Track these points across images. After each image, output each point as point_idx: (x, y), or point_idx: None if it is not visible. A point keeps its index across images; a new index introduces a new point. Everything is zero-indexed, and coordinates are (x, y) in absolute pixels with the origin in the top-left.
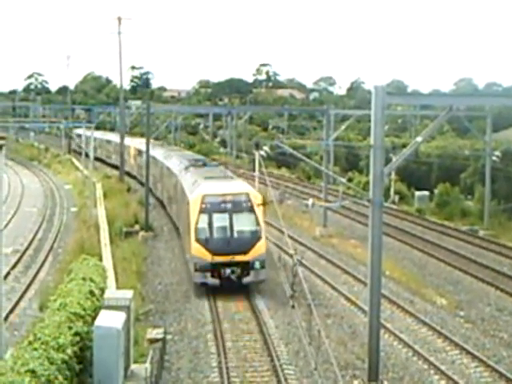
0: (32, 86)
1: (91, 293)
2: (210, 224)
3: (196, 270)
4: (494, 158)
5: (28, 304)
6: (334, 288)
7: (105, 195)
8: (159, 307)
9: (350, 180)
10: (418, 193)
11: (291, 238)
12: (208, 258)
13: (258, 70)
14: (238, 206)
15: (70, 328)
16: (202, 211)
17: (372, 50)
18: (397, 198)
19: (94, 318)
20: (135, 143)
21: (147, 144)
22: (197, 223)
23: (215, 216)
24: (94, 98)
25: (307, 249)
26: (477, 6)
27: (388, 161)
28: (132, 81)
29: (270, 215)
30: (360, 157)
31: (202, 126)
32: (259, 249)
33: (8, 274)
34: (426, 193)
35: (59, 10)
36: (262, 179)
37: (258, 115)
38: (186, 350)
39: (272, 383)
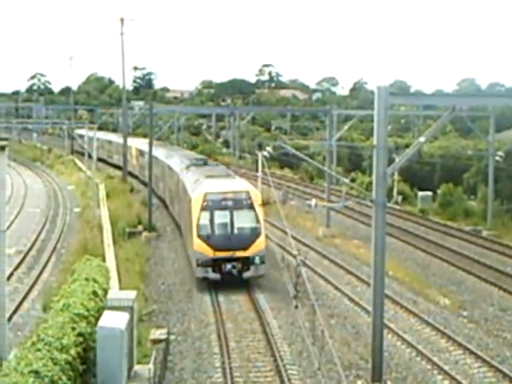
0: (35, 87)
1: (94, 293)
2: (212, 221)
3: (198, 265)
4: (497, 158)
5: (31, 305)
6: (337, 288)
7: (108, 196)
8: (162, 308)
9: (352, 180)
10: (421, 193)
11: (294, 238)
12: (210, 253)
13: (260, 70)
14: (239, 204)
15: (73, 329)
16: (203, 208)
17: (375, 51)
18: (400, 198)
19: (97, 319)
20: (137, 143)
21: (150, 145)
22: (198, 220)
23: (216, 213)
24: (97, 98)
25: (310, 249)
26: (479, 6)
27: (391, 161)
28: (135, 81)
29: (273, 215)
30: (363, 157)
31: (204, 127)
32: (259, 245)
33: (11, 274)
34: (429, 193)
35: (62, 10)
36: (265, 179)
37: (261, 116)
38: (189, 351)
39: (275, 383)
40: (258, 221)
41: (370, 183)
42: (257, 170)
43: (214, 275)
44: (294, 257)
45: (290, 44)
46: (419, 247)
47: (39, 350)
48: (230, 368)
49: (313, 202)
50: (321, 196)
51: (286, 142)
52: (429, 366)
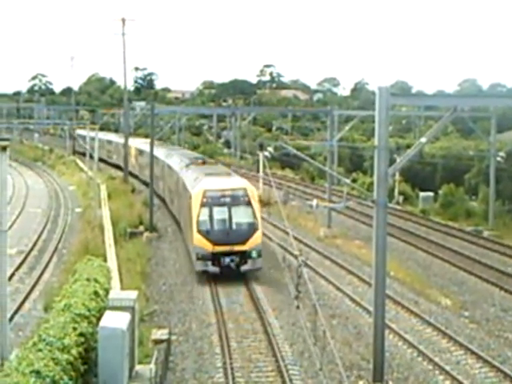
0: (36, 88)
1: (96, 293)
2: (211, 216)
3: (198, 259)
4: (499, 158)
5: (33, 305)
6: (338, 289)
7: (109, 196)
8: (164, 308)
9: (354, 181)
10: (422, 193)
11: (296, 238)
12: (209, 247)
13: (261, 71)
14: (236, 200)
15: (74, 329)
16: (203, 205)
17: (376, 51)
18: (401, 198)
19: (98, 319)
20: (136, 143)
21: (151, 145)
22: (198, 216)
23: (215, 209)
24: (98, 99)
25: (312, 249)
26: (481, 6)
27: (392, 161)
28: (136, 82)
29: (275, 216)
30: (364, 157)
31: (206, 127)
32: (256, 239)
33: (13, 274)
34: (431, 193)
35: (63, 11)
36: (266, 180)
37: (262, 116)
38: (190, 351)
39: None
40: (254, 216)
41: (371, 184)
42: (258, 171)
43: (213, 268)
44: (296, 257)
45: (292, 44)
46: (420, 247)
47: (40, 350)
48: (232, 368)
49: (314, 202)
50: (322, 196)
51: (287, 142)
52: (430, 367)
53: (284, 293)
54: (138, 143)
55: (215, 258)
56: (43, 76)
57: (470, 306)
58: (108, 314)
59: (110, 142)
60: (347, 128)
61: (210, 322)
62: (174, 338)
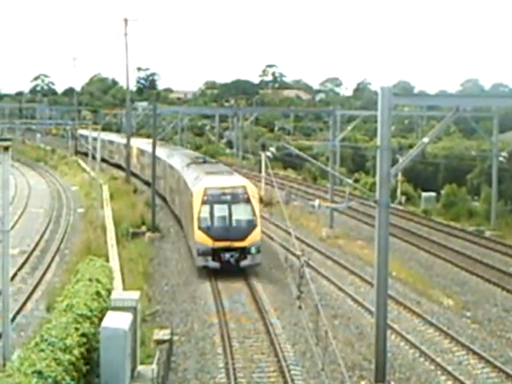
0: (38, 88)
1: (98, 294)
2: (211, 214)
3: (199, 255)
4: (501, 158)
5: (35, 305)
6: (340, 289)
7: (111, 196)
8: (166, 308)
9: (356, 181)
10: (424, 193)
11: (298, 238)
12: (209, 243)
13: (264, 71)
14: (236, 198)
15: (76, 329)
16: (204, 202)
17: (378, 51)
18: (403, 198)
19: (100, 319)
20: (137, 143)
21: (153, 145)
22: (199, 213)
23: (216, 206)
24: (101, 99)
25: (314, 250)
26: (483, 6)
27: (395, 162)
28: (138, 82)
29: (277, 216)
30: (366, 158)
31: (208, 127)
32: (255, 236)
33: (15, 275)
34: (433, 193)
35: (65, 11)
36: (269, 180)
37: (264, 116)
38: (192, 351)
39: None
40: (254, 214)
41: (374, 184)
42: (260, 171)
43: (213, 264)
44: (298, 257)
45: (294, 44)
46: (422, 248)
47: (42, 350)
48: (234, 368)
49: (316, 202)
50: (324, 196)
51: (290, 142)
52: (432, 367)
53: (286, 293)
54: (140, 143)
55: (215, 253)
56: (45, 76)
57: (472, 306)
58: (110, 314)
59: (111, 142)
60: (349, 128)
61: (212, 322)
62: (176, 338)
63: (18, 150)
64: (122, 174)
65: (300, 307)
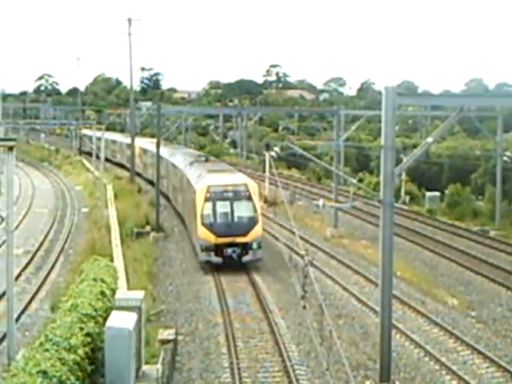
0: (42, 88)
1: (102, 293)
2: (214, 210)
3: (202, 250)
4: (505, 158)
5: (39, 305)
6: (345, 289)
7: (116, 196)
8: (170, 308)
9: (360, 180)
10: (428, 193)
11: (302, 238)
12: (212, 239)
13: (268, 71)
14: (238, 195)
15: (81, 329)
16: (206, 199)
17: (382, 51)
18: (407, 198)
19: (105, 319)
20: (140, 143)
21: (157, 145)
22: (202, 210)
23: (218, 203)
24: (104, 99)
25: (318, 249)
26: (488, 6)
27: (399, 161)
28: (142, 82)
29: (281, 216)
30: (370, 157)
31: (212, 127)
32: (256, 232)
33: (19, 275)
34: (437, 193)
35: (69, 11)
36: (273, 180)
37: (268, 116)
38: (197, 351)
39: None
40: (255, 210)
41: (378, 183)
42: (264, 171)
43: (216, 259)
44: (302, 257)
45: (298, 44)
46: (427, 247)
47: (47, 350)
48: (238, 368)
49: (320, 202)
50: (328, 196)
51: (294, 142)
52: (437, 367)
53: (290, 293)
54: (142, 143)
55: (218, 249)
56: (49, 76)
57: (476, 305)
58: (115, 314)
59: (114, 141)
60: (353, 128)
61: (217, 322)
62: (180, 338)
63: (22, 150)
64: (126, 173)
65: (304, 307)
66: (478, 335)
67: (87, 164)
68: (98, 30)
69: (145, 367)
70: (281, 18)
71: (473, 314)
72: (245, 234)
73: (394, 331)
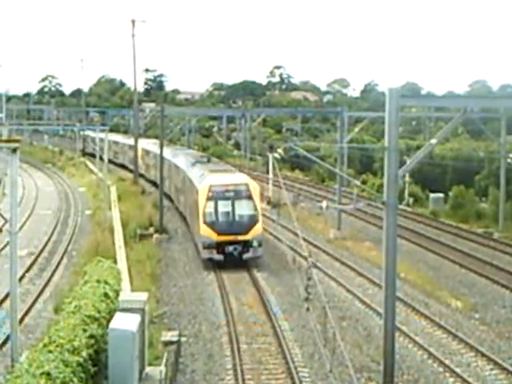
0: (46, 89)
1: (106, 295)
2: (216, 209)
3: (204, 248)
4: (509, 160)
5: (43, 306)
6: (348, 291)
7: (119, 198)
8: (174, 309)
9: (364, 182)
10: (432, 195)
11: (305, 240)
12: (214, 237)
13: (271, 72)
14: (239, 194)
15: (84, 330)
16: (208, 198)
17: (386, 53)
18: (411, 200)
19: (108, 321)
20: (142, 144)
21: (161, 147)
22: (204, 208)
23: (220, 202)
24: (108, 100)
25: (321, 251)
26: (491, 8)
27: (402, 163)
28: (146, 83)
29: (284, 217)
30: (374, 159)
31: (215, 129)
32: (257, 230)
33: (23, 276)
34: (441, 195)
35: (73, 12)
36: (276, 181)
37: (272, 117)
38: (200, 353)
39: None
40: (255, 209)
41: (381, 185)
42: (268, 172)
43: (218, 256)
44: (305, 259)
45: (301, 46)
46: (431, 249)
47: (51, 351)
48: (242, 370)
49: (324, 203)
50: (332, 198)
51: (297, 143)
52: (440, 369)
53: (294, 295)
54: (145, 144)
55: (220, 246)
56: (53, 78)
57: (480, 307)
58: (118, 315)
59: (116, 142)
60: (357, 129)
61: (220, 323)
62: (184, 339)
63: (26, 152)
64: (129, 175)
65: (308, 309)
66: (481, 337)
67: (91, 165)
68: (102, 32)
69: (148, 369)
70: (284, 19)
71: (476, 316)
72: (246, 232)
73: (397, 333)
